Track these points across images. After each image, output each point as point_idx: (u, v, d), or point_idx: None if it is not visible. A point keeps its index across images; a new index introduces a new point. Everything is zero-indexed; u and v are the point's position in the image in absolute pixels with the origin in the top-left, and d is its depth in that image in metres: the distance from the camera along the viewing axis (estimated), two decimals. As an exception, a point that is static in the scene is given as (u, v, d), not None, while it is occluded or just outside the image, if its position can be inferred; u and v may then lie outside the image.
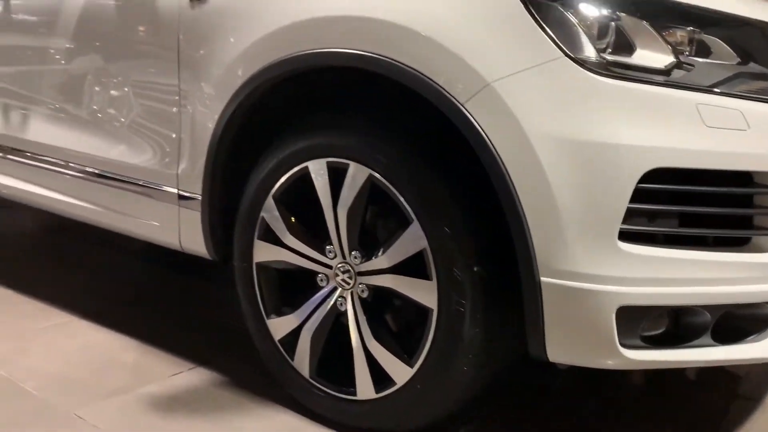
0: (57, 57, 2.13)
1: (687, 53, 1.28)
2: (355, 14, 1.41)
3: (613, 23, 1.24)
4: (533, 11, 1.24)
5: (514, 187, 1.21)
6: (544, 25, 1.23)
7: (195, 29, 1.70)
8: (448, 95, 1.28)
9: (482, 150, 1.24)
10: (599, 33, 1.24)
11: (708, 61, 1.29)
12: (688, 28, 1.29)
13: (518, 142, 1.21)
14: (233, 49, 1.61)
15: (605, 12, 1.25)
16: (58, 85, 2.16)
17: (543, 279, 1.23)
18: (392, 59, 1.34)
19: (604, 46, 1.24)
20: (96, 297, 2.42)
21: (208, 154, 1.69)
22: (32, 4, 2.21)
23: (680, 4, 1.31)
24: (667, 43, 1.26)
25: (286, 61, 1.50)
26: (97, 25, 1.98)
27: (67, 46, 2.07)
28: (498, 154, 1.22)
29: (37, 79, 2.25)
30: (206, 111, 1.68)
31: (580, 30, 1.23)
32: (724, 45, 1.32)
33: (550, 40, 1.22)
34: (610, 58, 1.23)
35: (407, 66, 1.32)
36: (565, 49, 1.22)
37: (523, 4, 1.24)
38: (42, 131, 2.23)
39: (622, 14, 1.25)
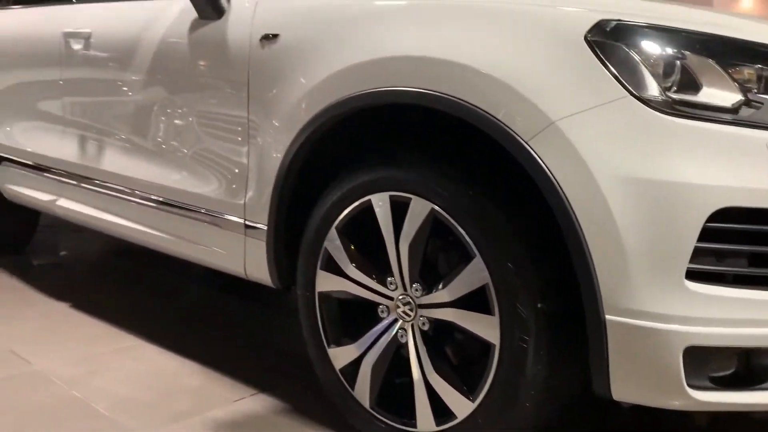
0: (127, 91, 2.25)
1: (755, 91, 1.27)
2: (417, 54, 1.46)
3: (678, 62, 1.25)
4: (597, 50, 1.25)
5: (579, 225, 1.22)
6: (609, 65, 1.24)
7: (264, 67, 1.77)
8: (511, 132, 1.30)
9: (547, 188, 1.25)
10: (664, 72, 1.24)
11: (777, 98, 1.28)
12: (756, 66, 1.28)
13: (584, 180, 1.22)
14: (300, 87, 1.67)
15: (670, 51, 1.25)
16: (127, 118, 2.27)
17: (608, 317, 1.22)
18: (455, 97, 1.37)
19: (669, 84, 1.24)
20: (161, 320, 2.50)
21: (275, 185, 1.75)
22: (108, 41, 2.34)
23: (747, 41, 1.30)
24: (734, 81, 1.26)
25: (352, 99, 1.55)
26: (168, 62, 2.09)
27: (138, 80, 2.18)
28: (563, 193, 1.23)
29: (108, 112, 2.38)
30: (274, 144, 1.75)
31: (645, 69, 1.24)
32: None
33: (615, 80, 1.23)
34: (675, 96, 1.23)
35: (470, 104, 1.35)
36: (630, 88, 1.23)
37: (587, 43, 1.26)
38: (112, 161, 2.35)
39: (687, 53, 1.26)
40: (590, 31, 1.27)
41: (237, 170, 1.88)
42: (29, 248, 3.46)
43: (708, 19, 1.43)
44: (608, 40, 1.26)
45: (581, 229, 1.22)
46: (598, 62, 1.25)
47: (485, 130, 1.34)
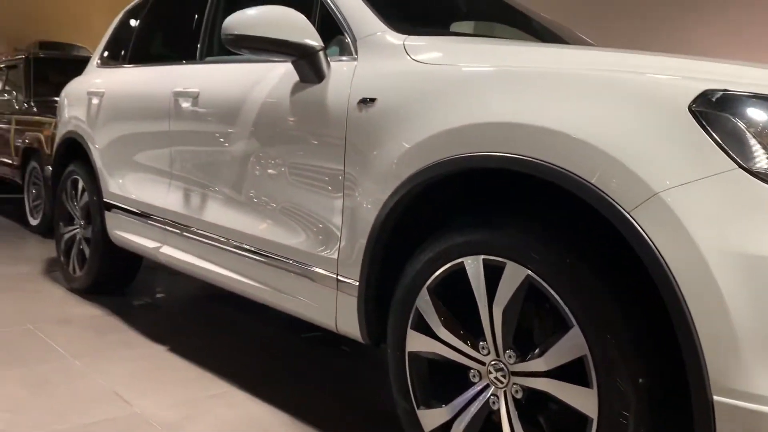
0: (229, 146, 2.37)
1: None
2: (512, 120, 1.47)
3: (789, 132, 1.20)
4: (703, 121, 1.23)
5: (685, 301, 1.18)
6: (715, 136, 1.21)
7: (362, 128, 1.83)
8: (612, 202, 1.28)
9: (650, 261, 1.22)
10: (775, 143, 1.20)
11: None
12: None
13: (690, 255, 1.18)
14: (396, 148, 1.72)
15: (780, 121, 1.21)
16: (228, 172, 2.39)
17: (716, 398, 1.17)
18: (554, 165, 1.37)
19: None
20: (253, 367, 2.57)
21: (368, 241, 1.79)
22: (214, 100, 2.48)
23: None
24: None
25: (444, 163, 1.58)
26: (269, 120, 2.19)
27: (240, 136, 2.30)
28: (668, 267, 1.20)
29: (210, 166, 2.51)
30: (369, 203, 1.79)
31: (754, 140, 1.20)
32: None
33: (722, 151, 1.20)
34: (787, 169, 1.18)
35: (569, 171, 1.35)
36: (738, 160, 1.19)
37: (691, 113, 1.24)
38: (212, 211, 2.47)
39: (798, 122, 1.21)
40: (695, 101, 1.24)
41: (331, 225, 1.94)
42: (130, 288, 3.66)
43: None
44: (714, 110, 1.23)
45: (687, 305, 1.18)
46: (704, 133, 1.22)
47: (585, 198, 1.33)
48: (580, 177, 1.33)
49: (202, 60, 2.76)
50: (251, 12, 2.02)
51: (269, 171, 2.19)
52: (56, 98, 4.22)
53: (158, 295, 3.84)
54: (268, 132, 2.20)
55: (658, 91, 1.30)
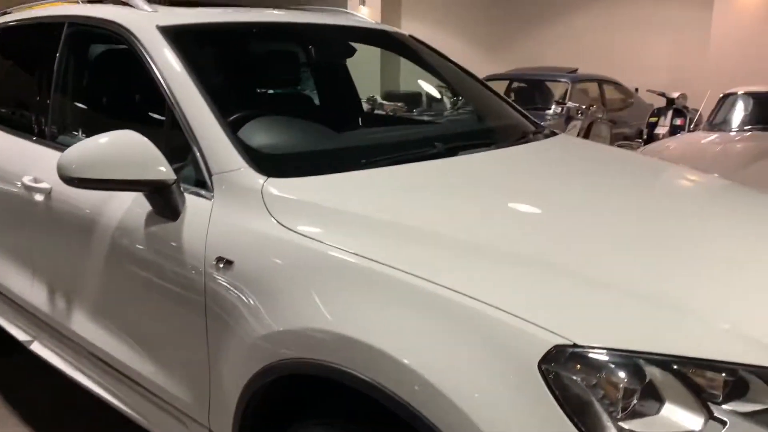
0: (87, 261, 2.18)
1: (719, 402, 1.20)
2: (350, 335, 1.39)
3: (637, 393, 1.17)
4: (550, 382, 1.18)
5: None
6: (562, 400, 1.17)
7: (221, 292, 1.70)
8: None
9: None
10: (623, 407, 1.17)
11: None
12: (722, 379, 1.21)
13: None
14: (252, 329, 1.60)
15: (630, 381, 1.18)
16: (90, 285, 2.20)
17: None
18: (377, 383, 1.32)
19: (625, 417, 1.17)
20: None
21: (237, 408, 1.70)
22: (68, 205, 2.26)
23: (712, 361, 1.23)
24: (700, 400, 1.19)
25: (282, 365, 1.52)
26: (127, 245, 1.99)
27: (95, 254, 2.10)
28: None
29: (69, 273, 2.27)
30: (232, 374, 1.69)
31: (600, 407, 1.17)
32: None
33: (567, 418, 1.17)
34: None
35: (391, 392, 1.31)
36: (581, 427, 1.16)
37: (539, 371, 1.19)
38: (78, 322, 2.29)
39: (649, 378, 1.18)
40: (545, 358, 1.19)
41: (199, 377, 1.84)
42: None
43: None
44: (563, 371, 1.19)
45: None
46: (549, 395, 1.18)
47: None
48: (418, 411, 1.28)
49: (54, 139, 2.49)
50: (90, 147, 1.80)
51: (130, 301, 2.04)
52: None
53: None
54: (125, 257, 2.02)
55: (508, 340, 1.24)
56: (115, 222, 2.04)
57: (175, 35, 2.16)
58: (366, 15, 12.98)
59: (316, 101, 2.89)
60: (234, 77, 2.45)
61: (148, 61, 2.09)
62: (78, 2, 2.69)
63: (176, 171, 1.86)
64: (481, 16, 12.31)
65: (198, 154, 1.87)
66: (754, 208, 2.02)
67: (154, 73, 2.05)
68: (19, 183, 2.47)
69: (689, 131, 7.37)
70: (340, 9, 3.10)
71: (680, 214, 1.85)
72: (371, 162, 1.94)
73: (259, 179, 1.76)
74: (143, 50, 2.11)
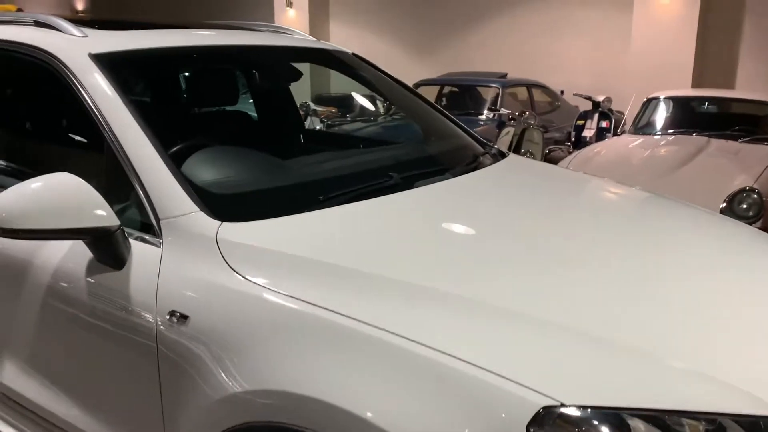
0: (24, 310, 2.01)
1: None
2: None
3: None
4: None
5: None
6: None
7: (175, 349, 1.58)
8: None
9: None
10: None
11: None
12: (704, 425, 1.22)
13: None
14: (210, 391, 1.50)
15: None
16: (31, 338, 2.02)
17: None
18: None
19: None
20: None
21: None
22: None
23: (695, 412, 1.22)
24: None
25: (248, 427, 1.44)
26: (69, 296, 1.85)
27: (32, 300, 1.93)
28: None
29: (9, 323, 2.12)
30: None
31: None
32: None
33: None
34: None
35: None
36: None
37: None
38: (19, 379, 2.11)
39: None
40: (533, 421, 1.16)
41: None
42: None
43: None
44: (553, 432, 1.16)
45: None
46: None
47: None
48: None
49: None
50: (22, 194, 1.64)
51: (72, 353, 1.89)
52: None
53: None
54: (64, 308, 1.86)
55: (492, 401, 1.20)
56: (51, 269, 1.88)
57: (110, 63, 2.01)
58: (293, 17, 12.83)
59: (260, 126, 2.78)
60: (175, 108, 2.32)
61: (81, 93, 1.93)
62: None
63: (118, 214, 1.73)
64: (407, 20, 12.36)
65: (143, 196, 1.74)
66: (709, 232, 2.06)
67: (89, 106, 1.90)
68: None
69: (615, 134, 7.63)
70: (278, 26, 3.00)
71: (649, 248, 1.84)
72: (329, 198, 1.86)
73: (213, 224, 1.65)
74: (75, 81, 1.96)
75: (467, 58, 11.47)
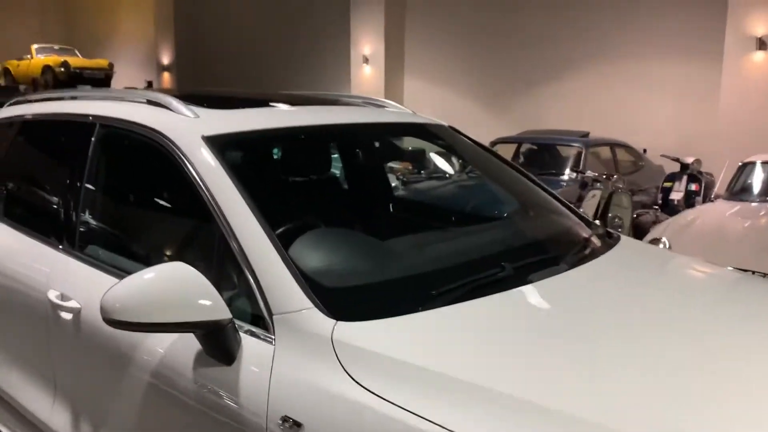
0: (125, 397, 1.98)
1: None
2: None
3: None
4: None
5: None
6: None
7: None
8: None
9: None
10: None
11: None
12: None
13: None
14: None
15: None
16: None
17: None
18: None
19: None
20: None
21: None
22: (101, 327, 2.07)
23: None
24: None
25: None
26: (177, 388, 1.80)
27: (132, 392, 1.90)
28: None
29: (105, 407, 2.09)
30: None
31: None
32: None
33: None
34: None
35: None
36: None
37: None
38: None
39: None
40: None
41: None
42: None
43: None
44: None
45: None
46: None
47: None
48: None
49: (82, 250, 2.31)
50: (135, 286, 1.62)
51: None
52: None
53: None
54: (167, 396, 1.81)
55: None
56: (156, 356, 1.84)
57: (222, 146, 2.01)
58: (369, 73, 13.06)
59: (356, 200, 2.74)
60: (280, 187, 2.30)
61: (193, 176, 1.93)
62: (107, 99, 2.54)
63: (228, 303, 1.68)
64: (482, 75, 12.36)
65: (255, 288, 1.69)
66: None
67: (201, 190, 1.89)
68: (43, 297, 2.27)
69: (705, 198, 7.29)
70: (373, 99, 2.98)
71: None
72: (443, 294, 1.77)
73: (328, 324, 1.58)
74: (188, 164, 1.96)
75: (542, 114, 11.33)
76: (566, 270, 2.04)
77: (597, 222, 6.10)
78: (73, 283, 2.21)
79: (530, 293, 1.87)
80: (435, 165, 7.78)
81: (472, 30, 12.24)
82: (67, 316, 2.17)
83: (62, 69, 15.45)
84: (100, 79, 16.03)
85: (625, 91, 10.74)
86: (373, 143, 2.85)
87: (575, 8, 10.89)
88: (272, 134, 2.25)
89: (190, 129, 2.08)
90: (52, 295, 2.22)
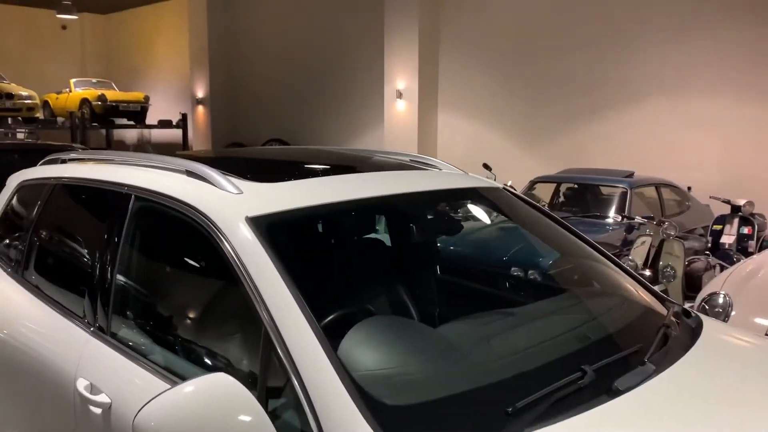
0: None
1: None
2: None
3: None
4: None
5: None
6: None
7: None
8: None
9: None
10: None
11: None
12: None
13: None
14: None
15: None
16: None
17: None
18: None
19: None
20: None
21: None
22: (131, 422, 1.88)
23: None
24: None
25: None
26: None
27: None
28: None
29: None
30: None
31: None
32: None
33: None
34: None
35: None
36: None
37: None
38: None
39: None
40: None
41: None
42: None
43: None
44: None
45: None
46: None
47: None
48: None
49: (114, 336, 2.13)
50: (173, 403, 1.43)
51: None
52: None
53: None
54: None
55: None
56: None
57: (268, 229, 1.83)
58: (403, 109, 12.95)
59: (406, 279, 2.51)
60: (328, 271, 2.10)
61: (236, 262, 1.75)
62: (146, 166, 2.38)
63: (272, 415, 1.48)
64: (520, 110, 12.12)
65: (305, 404, 1.49)
66: None
67: (244, 278, 1.71)
68: (71, 385, 2.10)
69: (758, 242, 6.95)
70: (424, 158, 2.79)
71: None
72: (518, 412, 1.54)
73: None
74: (230, 248, 1.78)
75: (581, 151, 11.03)
76: (653, 372, 1.79)
77: (647, 272, 5.81)
78: (103, 372, 2.04)
79: (621, 410, 1.62)
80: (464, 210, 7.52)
81: (509, 66, 12.04)
82: (96, 410, 1.98)
83: (99, 102, 15.65)
84: (136, 112, 16.21)
85: (669, 129, 10.40)
86: (425, 215, 2.64)
87: (617, 46, 10.65)
88: (321, 210, 2.06)
89: (233, 208, 1.90)
90: (81, 386, 2.05)
